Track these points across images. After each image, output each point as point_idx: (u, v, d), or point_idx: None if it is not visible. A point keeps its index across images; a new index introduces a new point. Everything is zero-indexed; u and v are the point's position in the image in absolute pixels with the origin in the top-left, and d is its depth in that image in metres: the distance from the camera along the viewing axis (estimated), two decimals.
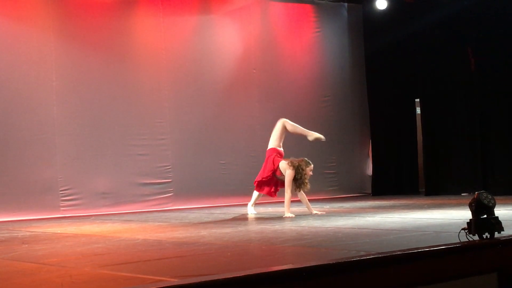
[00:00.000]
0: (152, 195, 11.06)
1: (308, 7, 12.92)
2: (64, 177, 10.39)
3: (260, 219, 8.11)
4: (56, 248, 5.81)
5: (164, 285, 3.28)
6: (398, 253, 4.08)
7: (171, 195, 11.21)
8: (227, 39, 12.01)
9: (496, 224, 4.46)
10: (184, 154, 11.42)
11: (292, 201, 8.26)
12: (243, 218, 8.39)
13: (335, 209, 9.30)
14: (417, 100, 12.86)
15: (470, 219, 4.49)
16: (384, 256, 3.98)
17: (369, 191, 12.97)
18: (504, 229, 4.50)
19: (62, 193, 10.34)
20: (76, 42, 10.65)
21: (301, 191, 8.33)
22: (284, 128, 8.73)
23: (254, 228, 6.87)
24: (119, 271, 4.17)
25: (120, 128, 10.91)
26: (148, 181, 11.06)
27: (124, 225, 8.12)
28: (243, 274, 3.43)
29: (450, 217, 7.01)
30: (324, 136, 8.94)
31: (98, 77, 10.79)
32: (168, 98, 11.35)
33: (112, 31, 10.97)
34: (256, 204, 8.99)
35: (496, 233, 4.45)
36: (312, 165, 8.41)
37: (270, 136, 11.76)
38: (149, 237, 6.44)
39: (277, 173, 8.48)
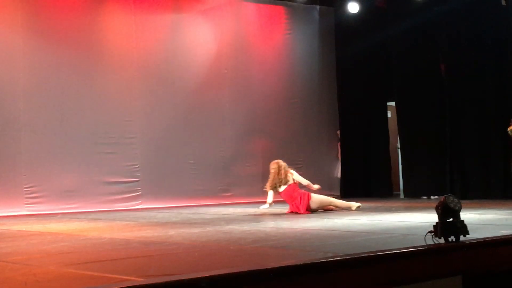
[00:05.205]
0: (119, 194, 10.96)
1: (280, 9, 12.93)
2: (29, 174, 10.25)
3: (230, 219, 8.10)
4: (20, 246, 5.72)
5: (130, 285, 3.26)
6: (365, 255, 4.10)
7: (139, 194, 11.13)
8: (199, 39, 11.97)
9: (462, 228, 4.51)
10: (153, 153, 11.34)
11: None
12: (212, 218, 8.36)
13: None
14: (389, 104, 12.96)
15: (436, 222, 4.53)
16: (350, 258, 4.00)
17: (338, 193, 13.01)
18: (469, 233, 4.56)
19: (26, 191, 10.20)
20: (45, 38, 10.51)
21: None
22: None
23: (222, 228, 6.85)
24: (84, 270, 4.13)
25: (88, 126, 10.80)
26: (115, 180, 10.95)
27: (91, 224, 8.04)
28: (209, 275, 3.42)
29: (418, 220, 7.07)
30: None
31: (67, 74, 10.67)
32: (137, 96, 11.26)
33: (83, 28, 10.84)
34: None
35: (461, 236, 4.50)
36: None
37: (239, 136, 11.92)
38: (116, 236, 6.38)
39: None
